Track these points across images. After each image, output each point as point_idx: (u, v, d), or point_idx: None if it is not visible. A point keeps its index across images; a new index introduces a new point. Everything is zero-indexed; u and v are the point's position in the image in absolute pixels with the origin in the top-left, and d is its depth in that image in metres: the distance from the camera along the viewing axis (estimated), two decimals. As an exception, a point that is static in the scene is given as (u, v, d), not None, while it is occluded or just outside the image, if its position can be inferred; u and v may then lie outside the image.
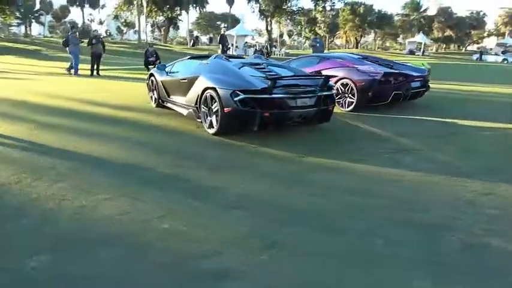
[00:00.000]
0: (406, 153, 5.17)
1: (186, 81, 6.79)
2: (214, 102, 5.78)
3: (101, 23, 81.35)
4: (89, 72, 15.29)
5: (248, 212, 3.35)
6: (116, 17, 57.75)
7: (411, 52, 54.18)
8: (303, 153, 5.13)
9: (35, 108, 7.94)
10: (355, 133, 6.37)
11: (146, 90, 8.71)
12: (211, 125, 5.96)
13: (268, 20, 50.10)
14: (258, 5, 49.11)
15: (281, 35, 65.84)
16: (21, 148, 5.12)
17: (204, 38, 70.78)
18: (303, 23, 58.71)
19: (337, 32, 63.25)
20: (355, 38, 62.87)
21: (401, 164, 4.71)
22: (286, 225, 3.09)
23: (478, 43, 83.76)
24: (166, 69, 7.80)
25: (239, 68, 6.31)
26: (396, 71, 8.00)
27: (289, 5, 50.51)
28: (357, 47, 61.12)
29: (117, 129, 6.32)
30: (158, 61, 15.36)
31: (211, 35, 60.06)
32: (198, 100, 6.19)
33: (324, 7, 55.68)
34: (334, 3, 56.23)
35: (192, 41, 48.73)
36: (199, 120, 6.32)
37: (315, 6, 51.38)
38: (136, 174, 4.31)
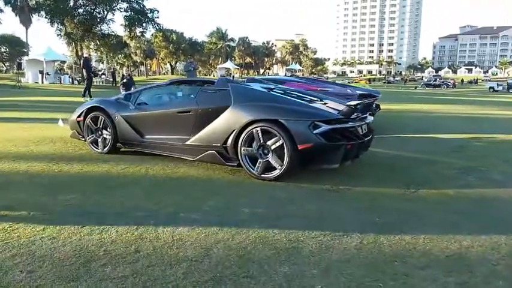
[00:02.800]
0: (471, 171, 4.71)
1: (191, 113, 4.59)
2: (269, 139, 4.01)
3: None
4: None
5: None
6: None
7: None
8: (404, 187, 3.99)
9: None
10: (393, 159, 5.51)
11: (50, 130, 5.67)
12: (266, 169, 4.09)
13: (78, 44, 44.42)
14: (63, 27, 42.82)
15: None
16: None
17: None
18: (115, 49, 54.81)
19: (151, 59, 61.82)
20: (170, 63, 63.05)
21: (492, 181, 4.23)
22: None
23: (269, 69, 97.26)
24: (131, 101, 5.17)
25: (282, 94, 4.73)
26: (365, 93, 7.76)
27: (99, 28, 46.20)
28: (172, 73, 61.23)
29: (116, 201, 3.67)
30: None
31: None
32: (234, 138, 4.20)
33: (133, 33, 53.53)
34: (145, 29, 54.75)
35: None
36: (233, 164, 4.30)
37: (129, 31, 48.64)
38: None
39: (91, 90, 14.81)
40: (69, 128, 5.91)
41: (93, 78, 14.83)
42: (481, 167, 4.84)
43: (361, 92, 7.42)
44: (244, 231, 2.76)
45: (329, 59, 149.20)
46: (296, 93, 5.00)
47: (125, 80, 14.14)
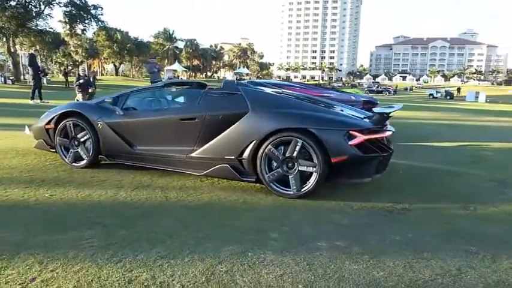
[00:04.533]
0: (506, 184, 4.50)
1: (197, 121, 3.88)
2: (294, 151, 3.45)
3: None
4: None
5: None
6: None
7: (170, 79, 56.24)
8: (459, 204, 3.65)
9: None
10: (413, 170, 5.17)
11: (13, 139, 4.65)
12: (289, 185, 3.51)
13: (10, 40, 40.19)
14: (-8, 20, 38.54)
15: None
16: None
17: None
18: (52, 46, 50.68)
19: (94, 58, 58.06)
20: (114, 64, 59.65)
21: None
22: None
23: (216, 72, 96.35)
24: (117, 106, 4.25)
25: (300, 99, 4.15)
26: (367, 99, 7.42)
27: (35, 23, 42.27)
28: (116, 74, 58.15)
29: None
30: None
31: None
32: (252, 150, 3.59)
33: (74, 30, 50.12)
34: (87, 26, 51.45)
35: None
36: (250, 180, 3.68)
37: (70, 28, 45.28)
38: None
39: (41, 91, 13.04)
40: (34, 137, 4.89)
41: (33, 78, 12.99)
42: (510, 179, 4.67)
43: (364, 99, 7.10)
44: (354, 275, 2.17)
45: (273, 63, 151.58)
46: (309, 99, 4.48)
47: (81, 81, 12.70)
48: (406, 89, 73.32)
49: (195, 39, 75.04)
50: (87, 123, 4.27)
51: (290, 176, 3.54)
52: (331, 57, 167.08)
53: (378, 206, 3.47)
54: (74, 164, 4.41)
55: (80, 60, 50.14)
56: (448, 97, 40.97)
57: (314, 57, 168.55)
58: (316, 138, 3.41)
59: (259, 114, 3.65)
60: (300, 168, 3.50)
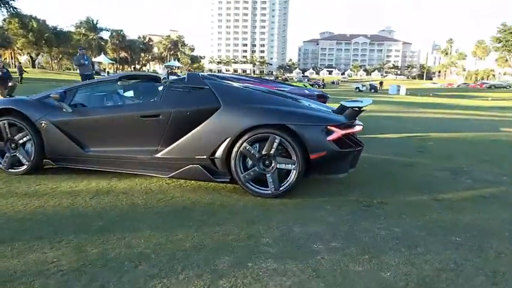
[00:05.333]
0: (459, 173, 4.81)
1: (161, 118, 3.52)
2: (271, 148, 3.31)
3: None
4: None
5: None
6: None
7: (97, 73, 52.76)
8: (424, 195, 3.77)
9: None
10: (367, 161, 5.29)
11: None
12: (266, 184, 3.34)
13: None
14: None
15: None
16: None
17: None
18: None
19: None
20: (30, 55, 54.23)
21: (488, 182, 4.34)
22: None
23: (145, 65, 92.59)
24: (64, 103, 3.67)
25: (265, 93, 3.96)
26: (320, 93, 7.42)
27: None
28: (33, 66, 53.09)
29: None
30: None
31: None
32: (226, 148, 3.36)
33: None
34: (-6, 12, 46.22)
35: None
36: (224, 180, 3.44)
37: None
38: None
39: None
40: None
41: None
42: (462, 167, 4.96)
43: (317, 93, 7.13)
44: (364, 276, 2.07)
45: (204, 57, 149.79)
46: (276, 94, 4.35)
47: (-1, 73, 11.24)
48: (333, 82, 76.81)
49: (121, 30, 71.06)
50: (27, 122, 3.69)
51: (268, 175, 3.37)
52: (262, 51, 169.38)
53: (353, 200, 3.45)
54: (10, 170, 3.80)
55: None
56: (373, 90, 43.73)
57: (245, 51, 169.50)
58: (295, 134, 3.28)
59: (232, 110, 3.42)
60: (277, 166, 3.34)
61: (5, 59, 57.99)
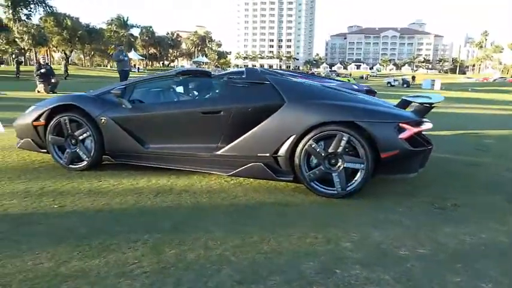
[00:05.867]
0: None
1: (222, 114, 3.44)
2: (339, 146, 3.15)
3: None
4: None
5: None
6: None
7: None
8: (495, 196, 3.53)
9: None
10: (439, 162, 4.99)
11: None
12: (332, 183, 3.19)
13: None
14: None
15: None
16: None
17: None
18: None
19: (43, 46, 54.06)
20: (65, 52, 55.95)
21: None
22: None
23: (172, 61, 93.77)
24: (123, 99, 3.64)
25: (329, 88, 3.84)
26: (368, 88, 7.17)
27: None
28: (68, 63, 54.64)
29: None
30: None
31: None
32: (291, 146, 3.23)
33: (18, 15, 46.48)
34: (32, 11, 47.89)
35: None
36: (287, 179, 3.33)
37: (13, 13, 41.74)
38: None
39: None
40: (17, 135, 4.21)
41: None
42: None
43: (366, 88, 6.90)
44: (468, 294, 1.89)
45: (231, 52, 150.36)
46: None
47: (42, 70, 11.58)
48: (361, 77, 75.19)
49: (150, 27, 72.16)
50: (88, 118, 3.69)
51: (334, 174, 3.22)
52: (288, 46, 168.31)
53: (424, 202, 3.26)
54: (71, 166, 3.81)
55: (26, 47, 46.54)
56: (405, 85, 42.51)
57: (271, 46, 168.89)
58: (365, 132, 3.12)
59: (297, 107, 3.28)
60: (345, 165, 3.19)
61: (43, 56, 60.05)
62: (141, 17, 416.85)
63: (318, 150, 3.21)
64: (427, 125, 3.44)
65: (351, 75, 66.75)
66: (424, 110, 3.45)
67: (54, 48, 55.10)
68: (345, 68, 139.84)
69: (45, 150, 3.96)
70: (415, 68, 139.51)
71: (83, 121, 3.70)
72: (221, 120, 3.46)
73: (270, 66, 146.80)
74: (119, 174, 3.70)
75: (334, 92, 3.64)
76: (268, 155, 3.31)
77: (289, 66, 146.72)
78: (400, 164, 3.26)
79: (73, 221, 2.63)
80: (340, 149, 3.17)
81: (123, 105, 3.66)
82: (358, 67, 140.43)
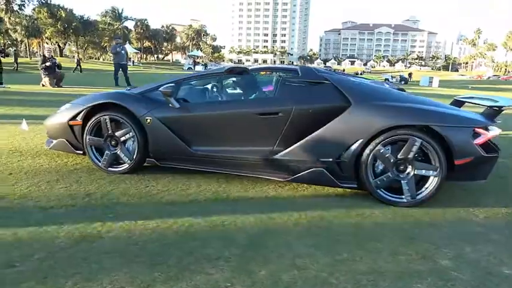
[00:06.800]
0: None
1: (280, 116, 3.20)
2: (410, 151, 2.95)
3: None
4: None
5: None
6: None
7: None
8: None
9: None
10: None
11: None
12: (401, 191, 2.99)
13: None
14: None
15: None
16: None
17: None
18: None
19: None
20: (58, 44, 54.85)
21: None
22: None
23: (167, 55, 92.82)
24: (171, 98, 3.35)
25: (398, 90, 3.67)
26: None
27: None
28: (61, 55, 53.79)
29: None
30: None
31: None
32: (357, 151, 3.02)
33: (10, 6, 45.50)
34: (24, 1, 46.92)
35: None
36: (351, 186, 3.12)
37: (6, 3, 40.74)
38: None
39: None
40: (49, 135, 3.93)
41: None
42: None
43: (396, 88, 6.67)
44: None
45: (224, 46, 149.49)
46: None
47: (48, 63, 11.17)
48: (356, 73, 75.22)
49: (145, 19, 71.07)
50: (131, 118, 3.42)
51: (403, 181, 3.01)
52: (283, 41, 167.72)
53: (501, 212, 3.07)
54: (110, 169, 3.55)
55: (19, 39, 45.51)
56: (403, 82, 42.44)
57: (266, 41, 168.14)
58: (440, 137, 2.91)
59: (365, 109, 3.07)
60: (415, 172, 2.99)
61: (33, 47, 58.85)
62: (134, 9, 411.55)
63: (387, 155, 3.00)
64: (497, 130, 3.25)
65: (344, 70, 66.55)
66: (494, 113, 3.26)
67: (47, 40, 53.94)
68: (339, 63, 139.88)
69: (80, 152, 3.69)
70: (408, 65, 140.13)
71: (126, 121, 3.43)
72: (279, 122, 3.23)
73: (264, 61, 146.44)
74: (162, 178, 3.46)
75: (399, 93, 3.44)
76: (331, 160, 3.09)
77: (283, 62, 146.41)
78: (472, 170, 3.08)
79: (136, 234, 2.38)
80: (411, 155, 2.96)
81: (171, 105, 3.40)
82: (352, 63, 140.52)
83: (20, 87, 11.20)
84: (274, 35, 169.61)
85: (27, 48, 49.29)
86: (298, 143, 3.15)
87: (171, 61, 76.39)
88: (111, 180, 3.37)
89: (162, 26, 79.07)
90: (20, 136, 4.91)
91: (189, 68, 51.98)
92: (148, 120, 3.40)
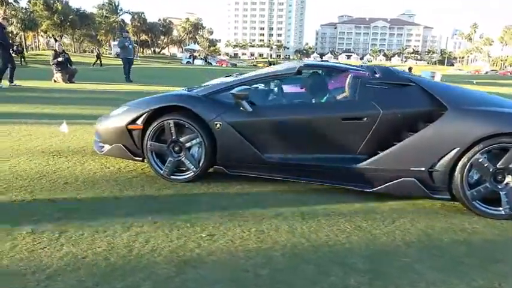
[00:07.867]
0: None
1: (366, 121, 2.97)
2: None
3: None
4: None
5: None
6: None
7: (118, 55, 52.39)
8: None
9: None
10: None
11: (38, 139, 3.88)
12: (498, 203, 2.78)
13: None
14: None
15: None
16: None
17: None
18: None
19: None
20: (54, 37, 53.84)
21: None
22: None
23: (163, 48, 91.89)
24: (243, 101, 3.05)
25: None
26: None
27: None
28: (57, 49, 52.74)
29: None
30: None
31: None
32: (453, 160, 2.80)
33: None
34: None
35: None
36: (444, 197, 2.90)
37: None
38: None
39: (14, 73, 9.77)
40: (102, 140, 3.62)
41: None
42: None
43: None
44: None
45: (220, 40, 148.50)
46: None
47: (60, 59, 10.80)
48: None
49: (142, 13, 70.19)
50: (199, 122, 3.16)
51: (502, 193, 2.79)
52: (279, 35, 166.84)
53: None
54: (173, 176, 3.29)
55: (15, 32, 44.63)
56: (404, 77, 42.24)
57: (262, 35, 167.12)
58: None
59: (463, 115, 2.84)
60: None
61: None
62: (131, 1, 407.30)
63: (486, 165, 2.77)
64: None
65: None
66: None
67: (43, 33, 53.03)
68: (336, 57, 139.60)
69: (139, 158, 3.42)
70: (404, 59, 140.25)
71: (193, 125, 3.17)
72: (363, 127, 2.99)
73: (260, 55, 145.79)
74: (228, 185, 3.21)
75: (495, 97, 3.21)
76: (424, 169, 2.86)
77: (280, 55, 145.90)
78: None
79: (239, 256, 2.13)
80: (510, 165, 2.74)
81: (242, 108, 3.13)
82: (348, 57, 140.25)
83: (31, 83, 10.83)
84: (271, 29, 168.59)
85: (25, 42, 48.28)
86: (387, 151, 2.91)
87: (168, 55, 75.55)
88: (179, 190, 3.14)
89: (159, 19, 78.14)
90: (57, 138, 4.63)
91: (188, 62, 51.34)
92: (218, 125, 3.13)
